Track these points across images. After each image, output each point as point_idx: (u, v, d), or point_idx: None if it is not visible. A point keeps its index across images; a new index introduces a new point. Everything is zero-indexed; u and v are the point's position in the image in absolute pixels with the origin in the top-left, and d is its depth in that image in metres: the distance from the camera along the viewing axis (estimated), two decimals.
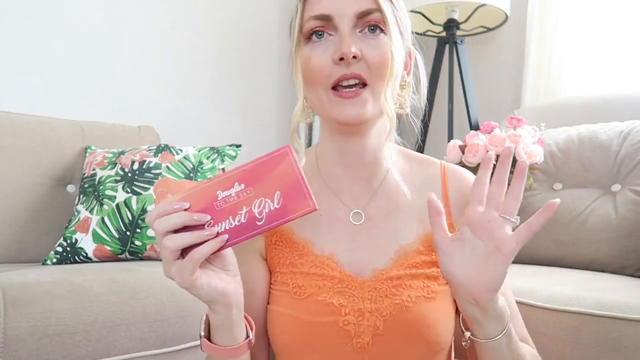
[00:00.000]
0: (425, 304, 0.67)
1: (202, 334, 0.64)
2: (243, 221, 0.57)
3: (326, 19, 0.65)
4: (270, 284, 0.74)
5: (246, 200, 0.57)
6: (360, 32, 0.66)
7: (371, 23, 0.65)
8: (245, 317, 0.66)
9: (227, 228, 0.57)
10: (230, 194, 0.57)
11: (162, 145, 1.56)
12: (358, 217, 0.73)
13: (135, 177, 1.45)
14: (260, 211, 0.57)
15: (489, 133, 1.57)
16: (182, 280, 0.58)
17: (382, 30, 0.66)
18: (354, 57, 0.64)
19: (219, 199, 0.57)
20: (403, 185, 0.71)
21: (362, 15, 0.65)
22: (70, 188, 1.62)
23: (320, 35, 0.66)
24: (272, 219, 0.57)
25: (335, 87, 0.66)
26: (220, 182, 0.57)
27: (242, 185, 0.57)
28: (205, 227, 0.57)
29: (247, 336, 0.65)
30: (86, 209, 1.43)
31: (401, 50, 0.69)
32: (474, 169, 1.56)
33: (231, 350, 0.63)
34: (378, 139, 0.72)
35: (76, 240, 1.38)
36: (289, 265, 0.71)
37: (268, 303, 0.74)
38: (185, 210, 0.57)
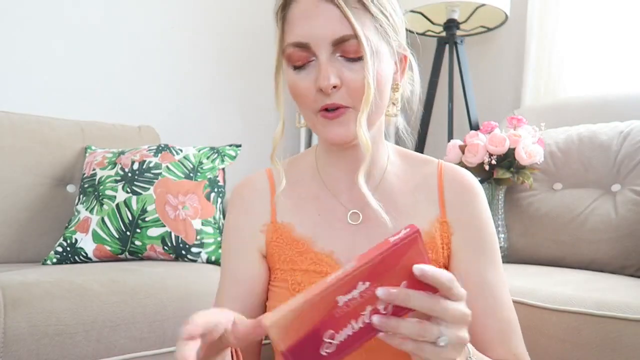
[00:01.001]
0: None
1: None
2: (366, 321, 0.48)
3: (304, 46, 0.65)
4: (270, 281, 0.75)
5: (371, 299, 0.48)
6: (340, 56, 0.65)
7: (349, 55, 0.64)
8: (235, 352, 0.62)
9: (349, 334, 0.48)
10: (354, 297, 0.47)
11: (162, 145, 1.56)
12: (356, 217, 0.74)
13: (135, 177, 1.45)
14: (385, 307, 0.48)
15: (489, 133, 1.57)
16: None
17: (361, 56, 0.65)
18: (334, 86, 0.64)
19: (339, 305, 0.47)
20: (382, 213, 0.68)
21: (338, 43, 0.64)
22: (70, 188, 1.62)
23: (301, 64, 0.67)
24: (397, 311, 0.49)
25: (320, 110, 0.67)
26: (341, 286, 0.47)
27: (367, 284, 0.47)
28: (325, 340, 0.47)
29: None
30: (86, 209, 1.43)
31: (387, 62, 0.68)
32: (474, 169, 1.56)
33: None
34: (374, 141, 0.72)
35: (76, 240, 1.38)
36: (289, 262, 0.72)
37: (267, 300, 0.75)
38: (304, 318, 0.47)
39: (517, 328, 0.72)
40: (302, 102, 0.68)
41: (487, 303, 0.70)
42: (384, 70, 0.67)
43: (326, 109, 0.66)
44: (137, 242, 1.39)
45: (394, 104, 0.74)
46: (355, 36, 0.64)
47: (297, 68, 0.67)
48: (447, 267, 0.73)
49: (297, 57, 0.67)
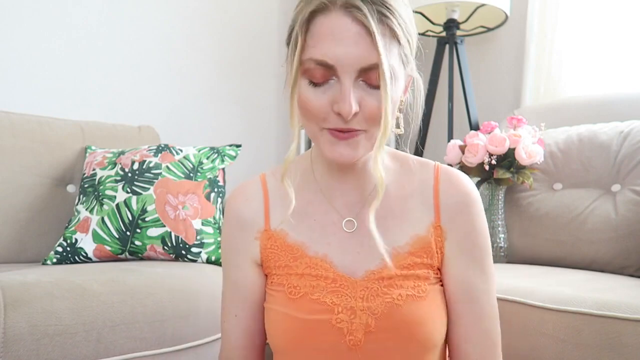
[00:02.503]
0: (416, 303, 0.68)
1: None
2: None
3: (328, 67, 0.63)
4: (267, 284, 0.76)
5: None
6: (362, 81, 0.64)
7: (372, 82, 0.63)
8: None
9: None
10: None
11: (162, 145, 1.56)
12: (351, 224, 0.74)
13: (135, 177, 1.45)
14: None
15: (489, 133, 1.57)
16: None
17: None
18: (354, 113, 0.63)
19: None
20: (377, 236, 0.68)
21: (365, 70, 0.63)
22: (70, 188, 1.62)
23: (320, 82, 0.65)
24: None
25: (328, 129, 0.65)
26: None
27: None
28: None
29: None
30: (86, 209, 1.43)
31: (400, 86, 0.68)
32: (474, 169, 1.56)
33: None
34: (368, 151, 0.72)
35: (76, 240, 1.38)
36: (284, 267, 0.73)
37: (265, 302, 0.76)
38: None
39: (497, 339, 0.73)
40: (311, 118, 0.66)
41: (471, 310, 0.71)
42: (397, 93, 0.66)
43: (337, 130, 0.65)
44: (137, 242, 1.39)
45: (397, 119, 0.73)
46: (381, 65, 0.62)
47: (314, 84, 0.65)
48: (440, 271, 0.74)
49: (318, 75, 0.64)
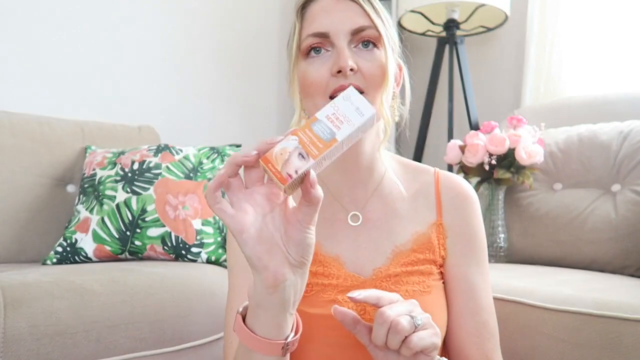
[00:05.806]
0: (422, 298, 0.71)
1: (240, 309, 0.61)
2: None
3: (323, 36, 0.70)
4: None
5: None
6: (355, 47, 0.70)
7: (364, 39, 0.70)
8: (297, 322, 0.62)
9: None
10: None
11: (162, 145, 1.56)
12: (356, 218, 0.78)
13: (135, 177, 1.45)
14: None
15: (489, 133, 1.57)
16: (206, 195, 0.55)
17: (374, 45, 0.71)
18: (351, 69, 0.68)
19: None
20: (399, 184, 0.76)
21: (357, 32, 0.70)
22: (70, 188, 1.62)
23: (318, 50, 0.70)
24: None
25: (332, 96, 0.70)
26: None
27: None
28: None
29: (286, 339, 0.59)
30: (86, 209, 1.43)
31: (394, 62, 0.73)
32: (474, 169, 1.56)
33: (256, 342, 0.58)
34: (372, 144, 0.76)
35: (76, 240, 1.38)
36: None
37: None
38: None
39: (494, 332, 0.76)
40: (313, 90, 0.71)
41: (467, 304, 0.75)
42: (392, 65, 0.71)
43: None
44: (137, 242, 1.39)
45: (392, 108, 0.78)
46: (373, 27, 0.70)
47: (310, 51, 0.71)
48: (442, 267, 0.77)
49: (314, 44, 0.70)
